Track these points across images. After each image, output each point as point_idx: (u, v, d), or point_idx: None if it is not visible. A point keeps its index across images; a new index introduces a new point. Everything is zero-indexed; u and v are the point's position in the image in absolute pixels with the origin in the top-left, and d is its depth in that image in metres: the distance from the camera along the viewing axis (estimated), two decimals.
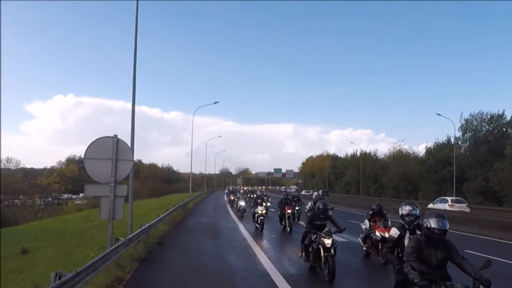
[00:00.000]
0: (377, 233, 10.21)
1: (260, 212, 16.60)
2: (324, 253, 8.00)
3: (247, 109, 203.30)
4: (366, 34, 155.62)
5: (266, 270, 9.04)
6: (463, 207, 31.24)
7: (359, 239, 11.50)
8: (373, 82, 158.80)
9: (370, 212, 11.41)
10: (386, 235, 8.80)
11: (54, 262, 11.23)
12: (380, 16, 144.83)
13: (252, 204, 26.90)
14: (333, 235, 8.43)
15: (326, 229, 8.46)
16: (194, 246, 12.79)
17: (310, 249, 8.68)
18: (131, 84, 12.55)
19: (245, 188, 59.19)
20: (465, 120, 51.05)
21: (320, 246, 8.16)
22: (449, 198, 33.61)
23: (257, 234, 15.72)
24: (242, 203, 23.71)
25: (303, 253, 9.09)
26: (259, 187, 76.32)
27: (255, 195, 29.88)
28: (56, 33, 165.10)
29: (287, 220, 16.49)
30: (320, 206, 8.86)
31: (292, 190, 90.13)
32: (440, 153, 54.76)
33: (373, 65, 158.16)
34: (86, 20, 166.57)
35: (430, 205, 32.11)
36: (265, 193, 25.70)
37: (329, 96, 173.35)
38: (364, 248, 10.98)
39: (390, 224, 10.22)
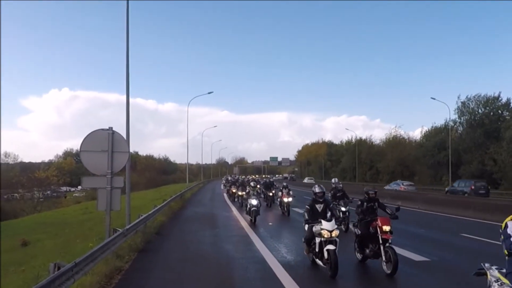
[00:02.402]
0: None
1: (327, 233, 7.59)
2: None
3: (242, 99, 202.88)
4: (358, 19, 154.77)
5: None
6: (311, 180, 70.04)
7: None
8: (367, 67, 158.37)
9: None
10: None
11: (54, 253, 11.40)
12: (372, 1, 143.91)
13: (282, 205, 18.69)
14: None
15: None
16: (192, 235, 12.96)
17: None
18: (125, 76, 12.59)
19: (250, 177, 50.16)
20: (462, 103, 50.87)
21: None
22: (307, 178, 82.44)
23: None
24: (254, 202, 15.66)
25: None
26: (256, 176, 76.40)
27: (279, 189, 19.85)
28: (49, 28, 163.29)
29: (383, 247, 7.69)
30: None
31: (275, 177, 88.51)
32: (437, 137, 54.73)
33: (367, 50, 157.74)
34: (79, 13, 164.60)
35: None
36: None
37: (324, 83, 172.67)
38: None
39: None
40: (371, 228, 8.03)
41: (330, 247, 7.39)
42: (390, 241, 7.70)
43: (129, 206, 12.23)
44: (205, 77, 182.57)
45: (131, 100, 12.95)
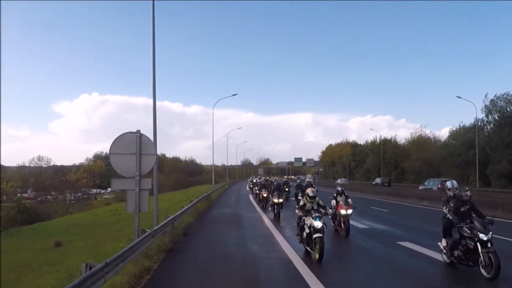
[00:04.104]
0: None
1: None
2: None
3: (266, 100, 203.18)
4: (382, 19, 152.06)
5: None
6: (311, 179, 67.80)
7: None
8: (392, 67, 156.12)
9: None
10: None
11: (85, 254, 11.75)
12: (396, 1, 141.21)
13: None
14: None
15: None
16: (218, 236, 13.05)
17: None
18: (152, 80, 12.83)
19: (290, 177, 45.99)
20: (491, 100, 49.59)
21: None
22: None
23: None
24: (317, 224, 9.21)
25: None
26: (279, 177, 76.05)
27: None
28: (78, 34, 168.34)
29: None
30: None
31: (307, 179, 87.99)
32: (466, 136, 53.55)
33: (392, 50, 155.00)
34: (106, 18, 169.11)
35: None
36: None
37: (348, 83, 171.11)
38: None
39: None
40: None
41: None
42: None
43: (157, 207, 12.44)
44: (230, 79, 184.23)
45: (158, 103, 13.21)
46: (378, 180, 57.93)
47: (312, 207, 9.83)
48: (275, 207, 17.59)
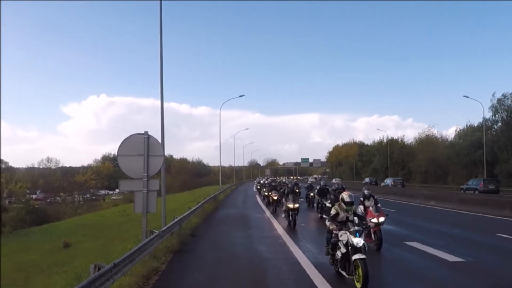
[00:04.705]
0: None
1: None
2: None
3: (273, 101, 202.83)
4: (388, 18, 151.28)
5: None
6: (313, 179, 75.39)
7: None
8: (398, 67, 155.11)
9: None
10: None
11: (94, 254, 11.85)
12: (402, 0, 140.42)
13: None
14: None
15: None
16: (225, 237, 13.07)
17: None
18: (159, 82, 12.92)
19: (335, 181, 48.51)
20: (498, 99, 49.29)
21: None
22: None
23: None
24: (359, 241, 6.77)
25: None
26: (286, 178, 75.88)
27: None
28: (86, 35, 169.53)
29: None
30: None
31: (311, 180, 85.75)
32: (475, 135, 53.20)
33: (398, 49, 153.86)
34: (114, 20, 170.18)
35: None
36: None
37: (355, 83, 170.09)
38: None
39: None
40: None
41: None
42: None
43: (164, 208, 12.50)
44: (237, 80, 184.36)
45: (165, 104, 13.30)
46: (367, 179, 64.95)
47: (348, 218, 7.51)
48: (290, 213, 15.02)
